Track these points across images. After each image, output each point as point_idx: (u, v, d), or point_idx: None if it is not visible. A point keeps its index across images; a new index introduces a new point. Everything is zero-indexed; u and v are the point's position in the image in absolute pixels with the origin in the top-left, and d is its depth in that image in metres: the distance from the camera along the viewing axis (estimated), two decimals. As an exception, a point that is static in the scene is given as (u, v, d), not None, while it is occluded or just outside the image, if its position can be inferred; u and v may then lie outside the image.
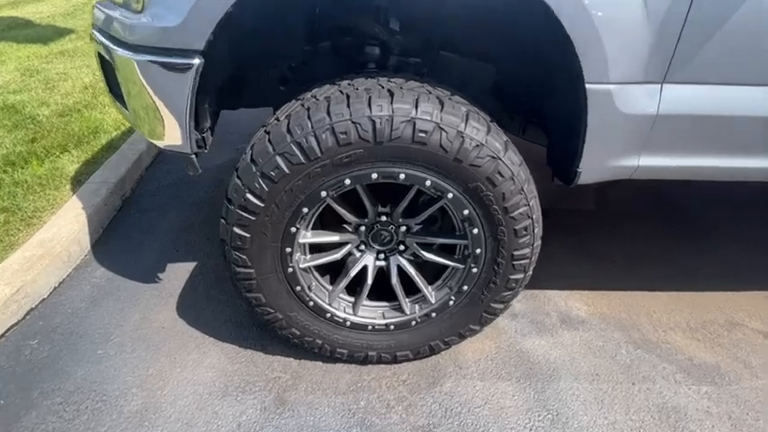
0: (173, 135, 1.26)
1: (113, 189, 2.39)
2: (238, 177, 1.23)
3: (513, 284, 1.42)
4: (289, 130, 1.15)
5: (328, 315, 1.47)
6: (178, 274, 2.01)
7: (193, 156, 1.31)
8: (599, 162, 1.31)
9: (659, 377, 1.62)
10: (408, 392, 1.52)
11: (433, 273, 1.51)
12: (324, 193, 1.23)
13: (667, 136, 1.27)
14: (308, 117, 1.14)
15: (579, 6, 1.06)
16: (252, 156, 1.20)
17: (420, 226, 1.43)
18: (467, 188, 1.23)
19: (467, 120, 1.16)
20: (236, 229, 1.27)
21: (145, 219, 2.38)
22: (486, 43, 1.48)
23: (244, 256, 1.31)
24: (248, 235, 1.27)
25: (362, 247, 1.47)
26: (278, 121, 1.22)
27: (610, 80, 1.16)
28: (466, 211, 1.28)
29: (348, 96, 1.14)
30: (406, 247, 1.47)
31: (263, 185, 1.19)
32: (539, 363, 1.65)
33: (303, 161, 1.16)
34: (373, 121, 1.12)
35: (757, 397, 1.57)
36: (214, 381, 1.54)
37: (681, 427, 1.46)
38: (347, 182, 1.22)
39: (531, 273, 1.45)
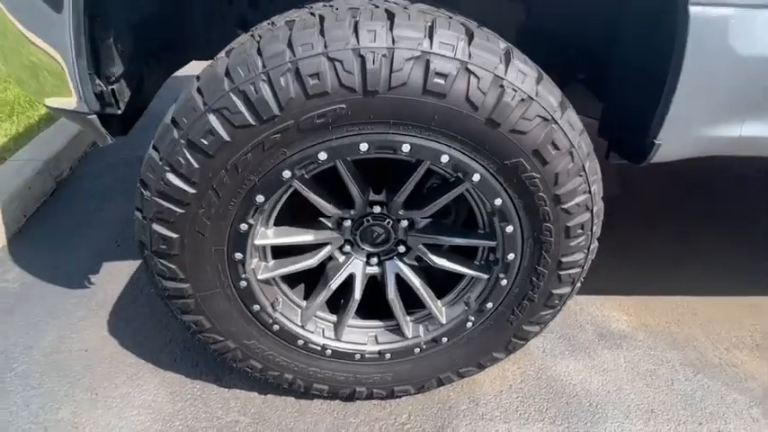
0: (60, 86, 0.83)
1: (42, 168, 1.94)
2: (155, 148, 0.80)
3: (557, 301, 1.03)
4: (228, 73, 0.73)
5: (301, 342, 1.07)
6: (116, 277, 1.59)
7: (94, 116, 0.87)
8: (688, 129, 0.91)
9: (731, 413, 1.26)
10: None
11: (444, 283, 1.11)
12: (287, 174, 0.81)
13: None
14: (259, 52, 0.71)
15: None
16: (173, 114, 0.77)
17: (428, 220, 1.02)
18: (502, 166, 0.82)
19: (508, 59, 0.74)
20: (158, 227, 0.85)
21: (83, 206, 1.95)
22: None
23: (172, 266, 0.90)
24: (175, 235, 0.86)
25: (348, 248, 1.06)
26: (215, 60, 0.79)
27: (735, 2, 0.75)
28: (498, 201, 0.87)
29: (322, 19, 0.71)
30: (408, 249, 1.07)
31: (192, 161, 0.77)
32: (577, 395, 1.28)
33: (251, 121, 0.74)
34: (362, 57, 0.70)
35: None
36: (147, 427, 1.14)
37: None
38: (322, 156, 0.80)
39: (579, 285, 1.06)
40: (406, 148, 0.80)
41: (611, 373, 1.35)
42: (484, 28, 0.82)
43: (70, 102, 0.84)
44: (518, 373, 1.33)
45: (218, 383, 1.25)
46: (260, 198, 0.84)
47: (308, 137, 0.77)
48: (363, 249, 1.06)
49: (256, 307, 1.00)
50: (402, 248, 1.07)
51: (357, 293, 1.08)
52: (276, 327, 1.04)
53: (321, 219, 1.01)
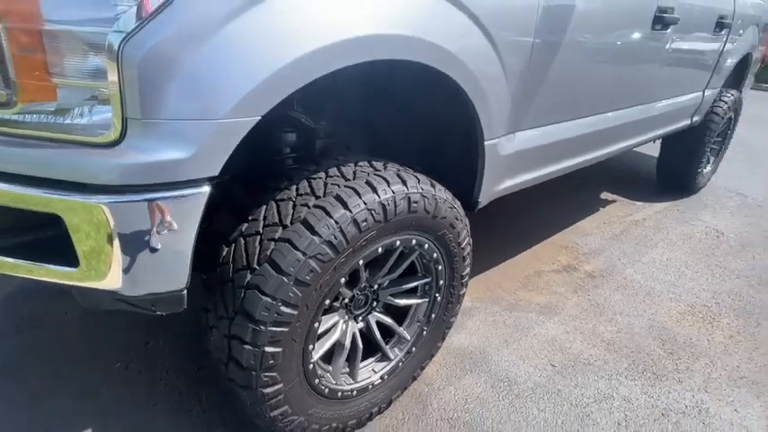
0: (168, 278, 1.08)
1: None
2: (265, 295, 1.16)
3: (461, 298, 1.80)
4: (315, 233, 1.19)
5: (339, 394, 1.50)
6: None
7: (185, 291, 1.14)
8: (489, 190, 1.82)
9: (532, 324, 2.31)
10: (420, 423, 1.70)
11: (398, 315, 1.73)
12: (343, 280, 1.30)
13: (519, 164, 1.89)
14: (329, 215, 1.21)
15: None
16: (280, 267, 1.16)
17: (390, 279, 1.63)
18: (437, 236, 1.53)
19: (434, 186, 1.46)
20: (269, 348, 1.19)
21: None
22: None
23: (274, 374, 1.24)
24: (280, 349, 1.21)
25: (347, 317, 1.56)
26: (285, 227, 1.21)
27: (498, 135, 1.67)
28: (435, 254, 1.57)
29: (356, 191, 1.26)
30: (378, 302, 1.64)
31: (297, 292, 1.18)
32: (469, 350, 2.09)
33: (333, 256, 1.22)
34: (383, 205, 1.29)
35: (576, 311, 2.44)
36: None
37: (558, 347, 2.16)
38: (361, 263, 1.33)
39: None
40: (397, 243, 1.41)
41: (477, 331, 2.22)
42: (418, 173, 1.48)
43: (174, 285, 1.09)
44: (437, 356, 2.05)
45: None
46: (327, 301, 1.29)
47: (356, 254, 1.29)
48: (354, 314, 1.58)
49: (316, 381, 1.40)
50: (375, 303, 1.63)
51: (360, 344, 1.58)
52: (326, 390, 1.45)
53: (333, 303, 1.49)
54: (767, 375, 2.12)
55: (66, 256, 1.05)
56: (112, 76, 0.90)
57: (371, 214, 1.27)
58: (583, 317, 2.41)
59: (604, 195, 4.09)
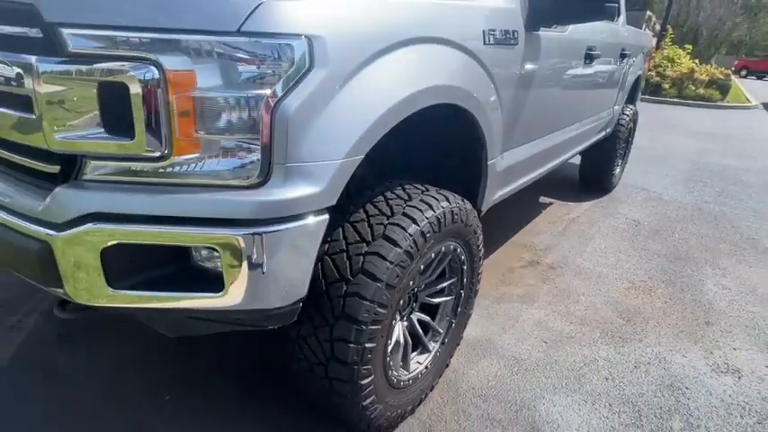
0: (293, 292, 1.29)
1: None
2: (366, 299, 1.41)
3: (476, 292, 2.15)
4: (397, 245, 1.46)
5: (402, 384, 1.76)
6: None
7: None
8: (488, 200, 2.21)
9: (519, 312, 2.73)
10: (458, 402, 2.00)
11: (430, 312, 2.03)
12: (411, 283, 1.58)
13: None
14: (405, 230, 1.49)
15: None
16: (375, 275, 1.42)
17: (426, 281, 1.92)
18: (465, 241, 1.86)
19: (464, 200, 1.80)
20: (368, 344, 1.43)
21: None
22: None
23: (369, 366, 1.47)
24: (375, 344, 1.46)
25: (399, 317, 1.82)
26: (369, 243, 1.47)
27: (496, 156, 2.06)
28: (463, 256, 1.91)
29: (421, 209, 1.56)
30: (416, 303, 1.93)
31: (388, 295, 1.44)
32: (477, 339, 2.44)
33: (410, 263, 1.50)
34: (438, 218, 1.60)
35: (548, 297, 2.91)
36: None
37: (544, 327, 2.59)
38: (421, 267, 1.62)
39: (478, 281, 2.20)
40: (442, 249, 1.72)
41: (478, 322, 2.58)
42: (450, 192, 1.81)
43: (291, 300, 1.31)
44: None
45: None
46: (402, 302, 1.56)
47: (420, 260, 1.58)
48: (401, 314, 1.85)
49: (390, 372, 1.65)
50: (414, 304, 1.92)
51: (410, 340, 1.85)
52: (394, 380, 1.70)
53: (391, 306, 1.75)
54: (698, 327, 2.72)
55: (200, 283, 1.23)
56: (265, 131, 1.13)
57: (432, 227, 1.57)
58: (555, 301, 2.88)
59: (542, 199, 4.72)
